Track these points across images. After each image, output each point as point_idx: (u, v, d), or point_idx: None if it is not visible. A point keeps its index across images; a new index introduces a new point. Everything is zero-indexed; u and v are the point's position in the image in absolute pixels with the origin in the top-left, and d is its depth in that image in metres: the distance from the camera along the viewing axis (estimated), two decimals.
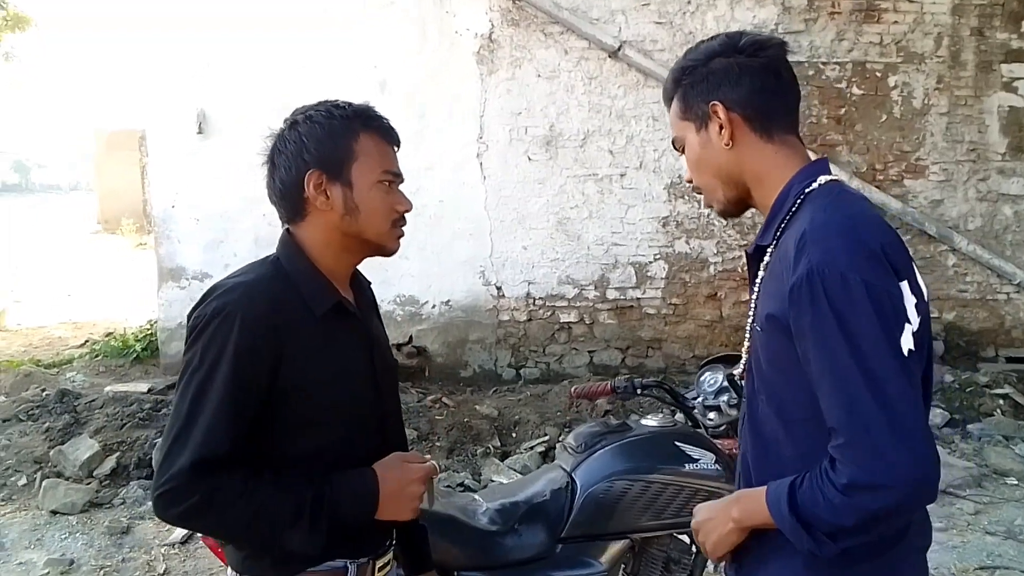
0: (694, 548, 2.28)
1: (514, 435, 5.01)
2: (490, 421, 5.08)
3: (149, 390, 5.64)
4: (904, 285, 1.11)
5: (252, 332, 1.23)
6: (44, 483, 4.19)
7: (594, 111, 5.95)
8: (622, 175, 6.03)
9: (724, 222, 6.07)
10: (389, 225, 1.38)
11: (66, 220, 23.85)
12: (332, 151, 1.33)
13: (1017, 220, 6.36)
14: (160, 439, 1.31)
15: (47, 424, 5.05)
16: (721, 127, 1.25)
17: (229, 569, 1.39)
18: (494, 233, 6.11)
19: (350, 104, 1.39)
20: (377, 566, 1.42)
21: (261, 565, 1.33)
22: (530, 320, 6.20)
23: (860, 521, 1.09)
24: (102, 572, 3.49)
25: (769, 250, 1.24)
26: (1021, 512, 4.09)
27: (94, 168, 20.16)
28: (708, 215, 6.05)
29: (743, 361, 1.33)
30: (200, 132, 5.75)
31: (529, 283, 6.16)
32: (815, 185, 1.21)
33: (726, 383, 2.32)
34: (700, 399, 2.32)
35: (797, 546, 1.14)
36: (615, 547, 2.12)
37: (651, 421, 2.26)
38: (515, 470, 4.44)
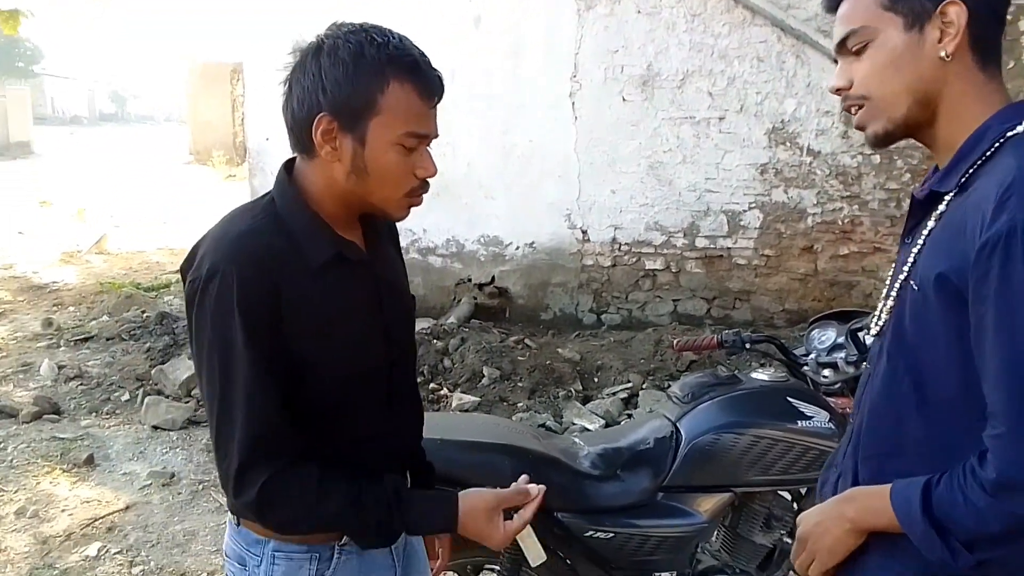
0: (796, 506, 2.21)
1: (596, 380, 4.97)
2: (572, 365, 5.05)
3: None
4: None
5: (253, 290, 1.11)
6: (147, 400, 4.40)
7: (695, 50, 5.68)
8: (720, 119, 5.77)
9: (826, 171, 5.77)
10: (400, 194, 1.18)
11: (160, 150, 24.72)
12: (351, 98, 1.12)
13: None
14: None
15: (148, 344, 5.31)
16: (943, 33, 1.04)
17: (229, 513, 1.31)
18: (583, 176, 5.98)
19: (389, 40, 1.13)
20: None
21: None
22: (614, 266, 6.10)
23: (1007, 528, 0.95)
24: (201, 486, 3.65)
25: (947, 198, 1.06)
26: None
27: (187, 100, 20.71)
28: (810, 163, 5.76)
29: (881, 322, 1.15)
30: None
31: (615, 228, 6.03)
32: (1020, 129, 1.02)
33: (842, 339, 2.20)
34: (813, 356, 2.21)
35: (927, 555, 1.00)
36: (717, 499, 2.06)
37: (762, 375, 2.17)
38: (597, 414, 4.42)
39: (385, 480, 1.23)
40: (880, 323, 1.15)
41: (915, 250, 1.08)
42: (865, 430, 1.16)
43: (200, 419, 4.35)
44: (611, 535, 1.98)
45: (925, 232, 1.08)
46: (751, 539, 2.15)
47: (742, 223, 5.92)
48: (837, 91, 1.14)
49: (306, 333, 1.15)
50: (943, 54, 1.04)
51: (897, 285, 1.11)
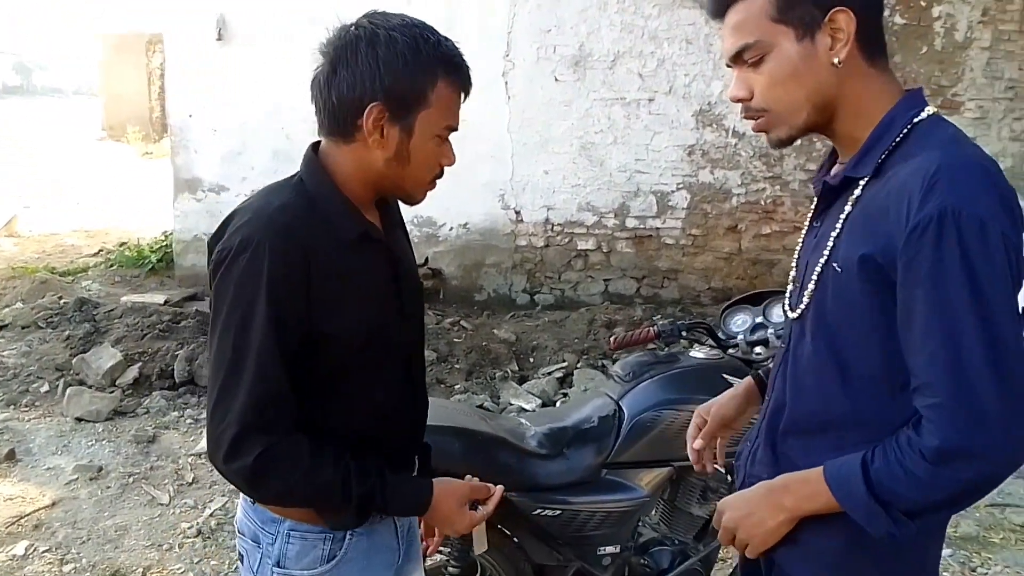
0: (730, 478, 2.30)
1: (532, 360, 5.04)
2: (508, 345, 5.10)
3: (166, 301, 5.65)
4: None
5: (283, 263, 1.15)
6: (68, 391, 4.22)
7: (626, 31, 5.75)
8: (650, 100, 5.87)
9: (750, 152, 5.95)
10: (428, 180, 1.29)
11: (70, 125, 23.46)
12: (407, 91, 1.20)
13: None
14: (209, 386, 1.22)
15: (67, 332, 5.08)
16: (834, 40, 1.07)
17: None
18: (516, 156, 6.00)
19: (438, 40, 1.23)
20: None
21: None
22: (547, 246, 6.16)
23: (951, 494, 1.00)
24: (131, 479, 3.55)
25: (862, 182, 1.10)
26: None
27: (100, 72, 19.68)
28: (735, 145, 5.92)
29: (802, 304, 1.18)
30: (219, 39, 5.57)
31: (548, 209, 6.09)
32: (924, 115, 1.08)
33: (760, 319, 2.28)
34: (741, 337, 2.29)
35: (872, 532, 1.04)
36: (657, 474, 2.13)
37: (699, 353, 2.25)
38: (533, 394, 4.48)
39: (368, 460, 1.26)
40: (801, 305, 1.18)
41: (834, 233, 1.12)
42: (789, 408, 1.20)
43: (126, 409, 4.21)
44: (558, 512, 2.03)
45: (843, 216, 1.12)
46: (688, 511, 2.24)
47: (670, 203, 6.05)
48: (738, 100, 1.16)
49: (330, 306, 1.20)
50: (836, 61, 1.08)
51: (818, 268, 1.14)
